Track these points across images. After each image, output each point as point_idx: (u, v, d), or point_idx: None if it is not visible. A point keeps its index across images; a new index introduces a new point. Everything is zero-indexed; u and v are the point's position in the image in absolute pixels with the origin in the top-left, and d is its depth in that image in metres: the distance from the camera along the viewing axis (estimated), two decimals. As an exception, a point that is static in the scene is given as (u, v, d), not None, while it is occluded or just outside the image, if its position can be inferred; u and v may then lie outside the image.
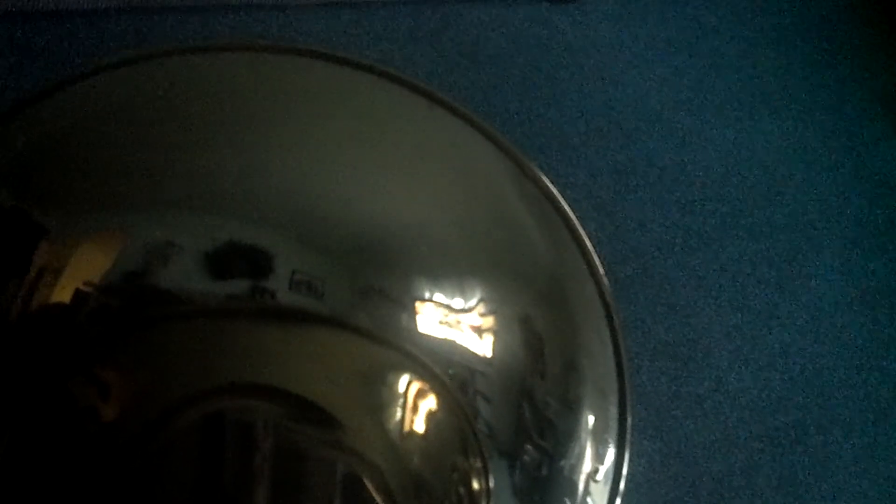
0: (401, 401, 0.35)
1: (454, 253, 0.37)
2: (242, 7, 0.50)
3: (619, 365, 0.38)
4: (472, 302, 0.36)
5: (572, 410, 0.37)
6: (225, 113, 0.36)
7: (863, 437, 0.50)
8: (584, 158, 0.52)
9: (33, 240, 0.34)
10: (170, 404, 0.34)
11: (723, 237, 0.52)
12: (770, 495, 0.48)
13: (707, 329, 0.50)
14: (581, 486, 0.37)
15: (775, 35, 0.58)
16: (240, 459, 0.34)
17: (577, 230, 0.38)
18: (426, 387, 0.36)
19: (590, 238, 0.38)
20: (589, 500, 0.37)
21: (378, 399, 0.36)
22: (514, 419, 0.36)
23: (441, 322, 0.36)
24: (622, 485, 0.37)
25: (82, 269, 0.34)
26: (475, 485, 0.36)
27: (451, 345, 0.36)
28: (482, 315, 0.36)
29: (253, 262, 0.34)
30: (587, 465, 0.37)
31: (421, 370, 0.36)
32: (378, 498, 0.34)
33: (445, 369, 0.36)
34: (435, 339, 0.36)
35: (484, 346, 0.36)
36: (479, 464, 0.36)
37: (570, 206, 0.38)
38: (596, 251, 0.38)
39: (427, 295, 0.36)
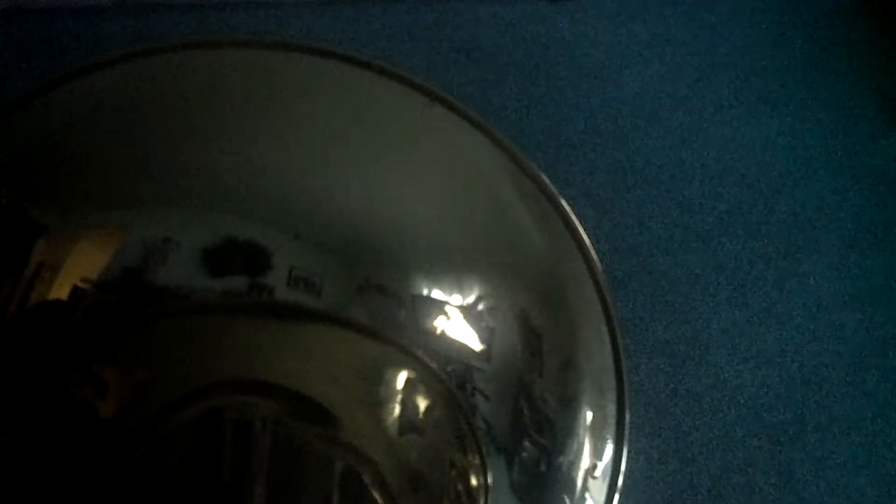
0: (399, 397, 0.35)
1: (452, 250, 0.37)
2: (240, 4, 0.50)
3: (617, 362, 0.38)
4: (471, 299, 0.36)
5: (570, 407, 0.37)
6: (223, 110, 0.36)
7: (861, 435, 0.50)
8: (582, 156, 0.52)
9: (31, 236, 0.34)
10: (168, 401, 0.34)
11: (721, 235, 0.52)
12: (768, 492, 0.48)
13: (705, 326, 0.50)
14: (579, 483, 0.37)
15: (773, 33, 0.58)
16: (238, 456, 0.34)
17: (575, 228, 0.38)
18: (424, 383, 0.36)
19: (588, 235, 0.38)
20: (587, 496, 0.37)
21: (376, 395, 0.36)
22: (512, 416, 0.36)
23: (439, 319, 0.36)
24: (620, 481, 0.37)
25: (80, 266, 0.34)
26: (473, 481, 0.36)
27: (450, 341, 0.36)
28: (480, 312, 0.36)
29: (251, 259, 0.34)
30: (585, 462, 0.37)
31: (419, 367, 0.36)
32: (376, 494, 0.34)
33: (444, 366, 0.36)
34: (433, 335, 0.36)
35: (482, 343, 0.36)
36: (476, 460, 0.36)
37: (568, 203, 0.38)
38: (594, 248, 0.38)
39: (425, 291, 0.36)
